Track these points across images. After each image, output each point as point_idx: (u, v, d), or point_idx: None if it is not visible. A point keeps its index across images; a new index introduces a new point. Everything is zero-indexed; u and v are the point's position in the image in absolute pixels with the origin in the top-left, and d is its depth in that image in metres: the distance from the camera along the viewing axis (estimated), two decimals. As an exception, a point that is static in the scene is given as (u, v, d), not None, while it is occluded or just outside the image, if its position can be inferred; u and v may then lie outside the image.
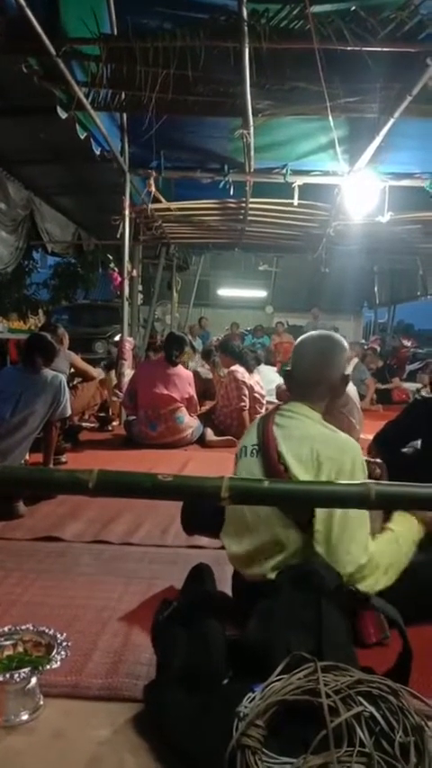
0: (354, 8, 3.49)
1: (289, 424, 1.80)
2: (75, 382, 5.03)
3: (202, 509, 2.11)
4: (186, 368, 5.58)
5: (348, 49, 3.53)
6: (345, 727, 1.02)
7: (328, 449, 1.69)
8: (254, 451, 1.82)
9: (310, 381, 1.87)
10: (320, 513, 1.61)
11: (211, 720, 1.23)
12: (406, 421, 2.75)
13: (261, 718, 1.08)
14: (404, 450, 2.78)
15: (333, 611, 1.42)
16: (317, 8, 3.45)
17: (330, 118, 4.12)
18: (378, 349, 11.21)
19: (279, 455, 1.72)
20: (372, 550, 1.65)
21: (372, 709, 1.06)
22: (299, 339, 2.03)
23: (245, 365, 5.35)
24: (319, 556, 1.60)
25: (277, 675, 1.16)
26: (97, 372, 5.40)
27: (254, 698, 1.15)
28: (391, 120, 4.28)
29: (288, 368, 1.97)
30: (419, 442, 2.75)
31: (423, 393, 7.41)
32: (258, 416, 1.99)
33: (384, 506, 1.62)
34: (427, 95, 3.96)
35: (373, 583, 1.63)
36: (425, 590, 1.79)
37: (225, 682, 1.37)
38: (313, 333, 2.06)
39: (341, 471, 1.66)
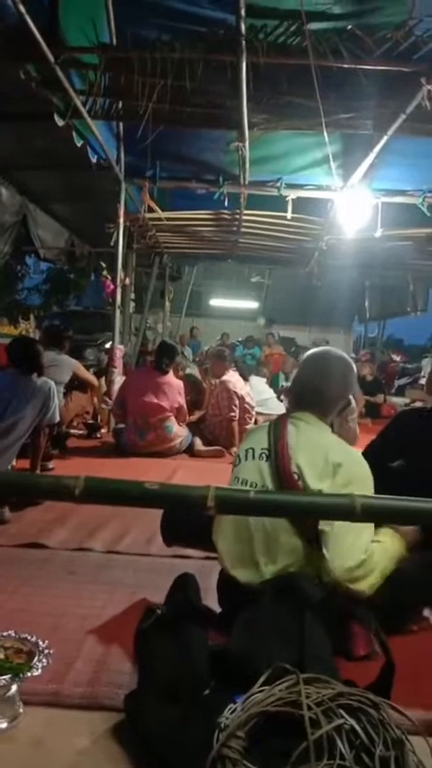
0: (350, 27, 3.55)
1: (302, 431, 1.80)
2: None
3: (186, 519, 2.10)
4: (182, 373, 5.57)
5: (344, 66, 3.58)
6: (326, 739, 1.02)
7: (342, 458, 1.71)
8: (263, 455, 1.81)
9: (315, 402, 1.88)
10: None
11: (191, 731, 1.22)
12: (390, 433, 2.76)
13: (242, 730, 1.08)
14: (393, 464, 2.78)
15: (316, 623, 1.42)
16: (314, 25, 3.51)
17: (325, 133, 4.16)
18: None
19: (291, 461, 1.72)
20: (371, 550, 1.66)
21: (353, 722, 1.06)
22: (306, 355, 2.01)
23: (240, 372, 5.36)
24: (318, 562, 1.62)
25: (259, 687, 1.16)
26: (96, 381, 5.40)
27: (235, 709, 1.15)
28: (385, 138, 4.33)
29: (287, 384, 1.96)
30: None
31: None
32: (269, 421, 1.95)
33: (369, 519, 1.62)
34: (421, 114, 4.00)
35: (368, 585, 1.64)
36: (410, 591, 1.81)
37: (207, 692, 1.36)
38: (321, 350, 2.03)
39: (354, 480, 1.67)
